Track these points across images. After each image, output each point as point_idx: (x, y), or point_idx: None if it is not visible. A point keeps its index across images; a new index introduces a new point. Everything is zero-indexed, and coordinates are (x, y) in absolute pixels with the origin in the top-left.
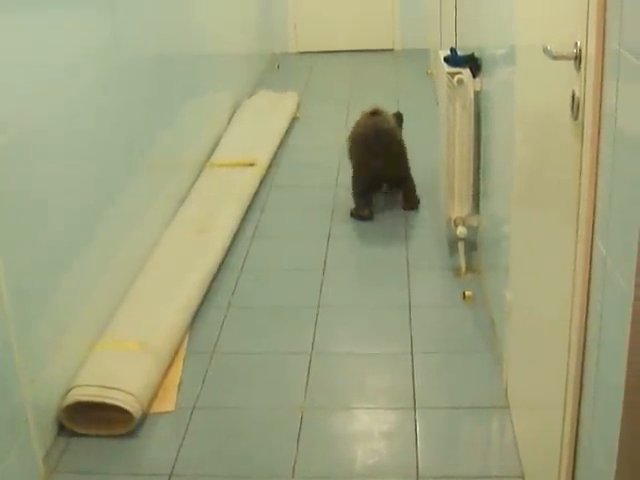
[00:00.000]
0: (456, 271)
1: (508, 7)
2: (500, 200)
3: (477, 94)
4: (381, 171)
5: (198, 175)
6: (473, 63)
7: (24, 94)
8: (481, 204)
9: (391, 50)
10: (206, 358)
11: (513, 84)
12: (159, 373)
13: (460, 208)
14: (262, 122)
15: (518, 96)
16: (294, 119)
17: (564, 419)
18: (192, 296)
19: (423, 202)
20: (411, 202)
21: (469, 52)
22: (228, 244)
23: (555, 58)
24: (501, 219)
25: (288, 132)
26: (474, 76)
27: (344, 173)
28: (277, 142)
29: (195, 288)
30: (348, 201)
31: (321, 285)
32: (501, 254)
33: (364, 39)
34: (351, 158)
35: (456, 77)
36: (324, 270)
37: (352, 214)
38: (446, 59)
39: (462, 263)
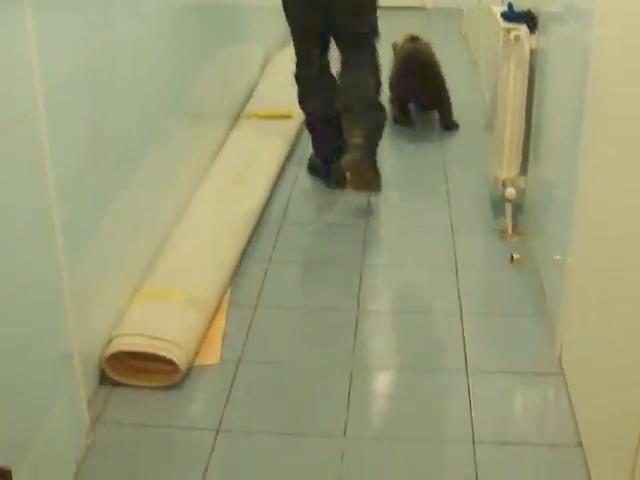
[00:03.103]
0: (502, 233)
1: None
2: (551, 162)
3: (533, 52)
4: (419, 89)
5: (233, 125)
6: (529, 19)
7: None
8: (530, 165)
9: (423, 8)
10: (249, 312)
11: (575, 42)
12: (204, 325)
13: (509, 169)
14: None
15: (598, 54)
16: None
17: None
18: (233, 248)
19: (461, 161)
20: (449, 122)
21: (512, 4)
22: (267, 196)
23: None
24: (552, 181)
25: None
26: (530, 33)
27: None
28: None
29: (236, 240)
30: (386, 156)
31: (364, 242)
32: (551, 217)
33: None
34: (392, 78)
35: (512, 33)
36: (366, 225)
37: (395, 121)
38: (502, 14)
39: (509, 225)
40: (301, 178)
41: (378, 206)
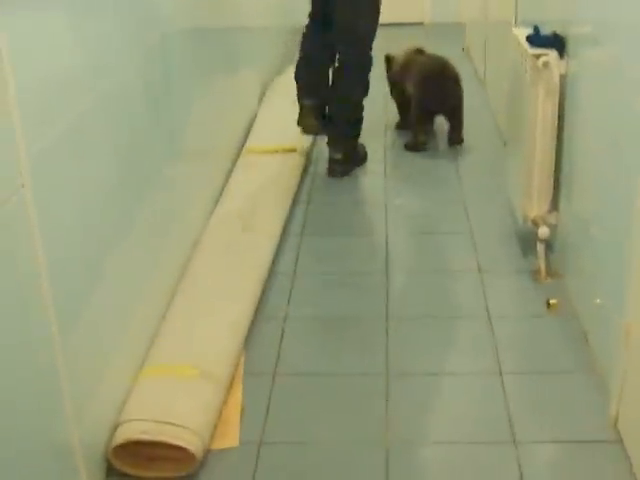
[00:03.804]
0: (534, 275)
1: None
2: (589, 196)
3: (562, 78)
4: (443, 100)
5: (234, 163)
6: (558, 43)
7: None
8: (561, 200)
9: (421, 24)
10: (267, 381)
11: (610, 65)
12: (219, 402)
13: (539, 205)
14: (296, 103)
15: None
16: None
17: None
18: (245, 308)
19: (480, 191)
20: (458, 137)
21: (538, 27)
22: (277, 243)
23: None
24: (590, 218)
25: None
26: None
27: (392, 161)
28: None
29: (248, 298)
30: (399, 187)
31: (387, 294)
32: (590, 257)
33: (391, 12)
34: (415, 89)
35: (541, 59)
36: (386, 272)
37: (407, 146)
38: (528, 39)
39: (542, 266)
40: (310, 220)
41: (397, 248)
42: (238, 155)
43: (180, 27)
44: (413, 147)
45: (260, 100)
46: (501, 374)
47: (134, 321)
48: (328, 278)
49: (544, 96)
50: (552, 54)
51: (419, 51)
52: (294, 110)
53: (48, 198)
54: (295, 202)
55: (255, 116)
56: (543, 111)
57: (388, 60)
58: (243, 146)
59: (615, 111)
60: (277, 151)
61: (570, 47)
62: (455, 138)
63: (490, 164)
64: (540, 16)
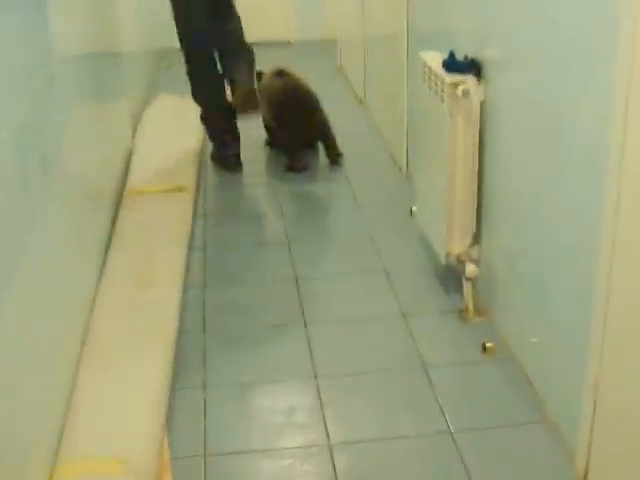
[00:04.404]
0: (462, 314)
1: None
2: (513, 228)
3: (481, 105)
4: (303, 127)
5: (118, 207)
6: (475, 69)
7: None
8: (483, 233)
9: (288, 43)
10: (198, 465)
11: (527, 89)
12: None
13: (462, 241)
14: (175, 135)
15: None
16: None
17: None
18: (161, 380)
19: (385, 221)
20: (336, 154)
21: (453, 52)
22: (181, 297)
23: None
24: (517, 250)
25: (206, 144)
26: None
27: (285, 197)
28: (199, 158)
29: (161, 368)
30: (295, 226)
31: (310, 349)
32: (520, 292)
33: (256, 31)
34: (270, 120)
35: (460, 87)
36: (305, 325)
37: (288, 168)
38: (444, 65)
39: (469, 305)
40: (211, 269)
41: (310, 295)
42: (121, 197)
43: (58, 56)
44: (292, 168)
45: (134, 134)
46: (451, 433)
47: (39, 411)
48: (242, 334)
49: (464, 125)
50: (470, 80)
51: (279, 73)
52: (173, 144)
53: None
54: (190, 248)
55: (131, 152)
56: (463, 141)
57: (259, 76)
58: (124, 187)
59: (534, 137)
60: (163, 191)
61: (487, 72)
62: (333, 157)
63: (389, 193)
64: (441, 32)
